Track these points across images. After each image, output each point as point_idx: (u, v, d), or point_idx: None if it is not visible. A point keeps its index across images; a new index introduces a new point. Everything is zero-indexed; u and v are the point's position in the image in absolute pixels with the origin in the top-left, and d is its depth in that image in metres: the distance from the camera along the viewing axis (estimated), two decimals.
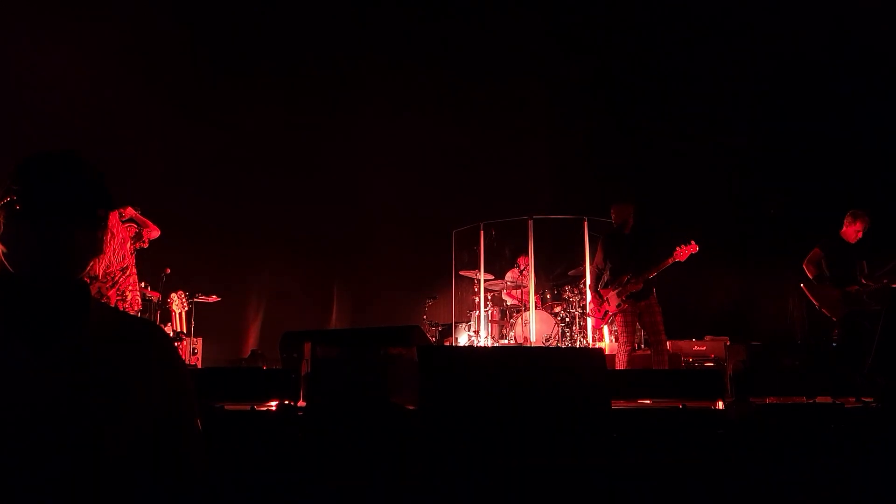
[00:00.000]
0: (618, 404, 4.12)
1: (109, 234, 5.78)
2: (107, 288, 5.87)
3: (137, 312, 6.20)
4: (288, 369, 4.05)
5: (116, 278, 5.90)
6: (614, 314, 6.65)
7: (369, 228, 10.97)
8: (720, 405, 4.38)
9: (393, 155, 10.76)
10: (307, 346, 3.93)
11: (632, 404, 4.53)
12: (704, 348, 8.34)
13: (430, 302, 10.55)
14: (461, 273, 10.08)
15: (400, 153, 10.77)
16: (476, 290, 9.76)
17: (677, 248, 6.46)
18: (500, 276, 10.10)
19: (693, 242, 6.47)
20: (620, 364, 6.61)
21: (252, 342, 10.62)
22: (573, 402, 3.48)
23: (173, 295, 7.47)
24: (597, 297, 6.82)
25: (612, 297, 6.63)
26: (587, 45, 10.87)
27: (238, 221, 10.50)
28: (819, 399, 4.38)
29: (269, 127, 10.57)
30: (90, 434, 1.33)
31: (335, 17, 10.45)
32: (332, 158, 11.00)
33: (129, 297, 5.99)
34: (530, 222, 9.20)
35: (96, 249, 1.45)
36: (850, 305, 6.70)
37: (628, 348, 6.59)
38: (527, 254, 9.39)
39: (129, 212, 6.17)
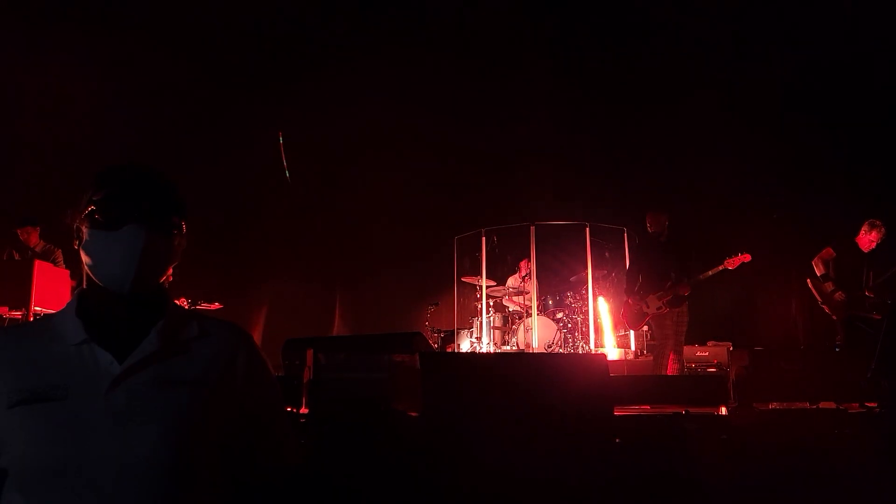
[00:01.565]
0: (620, 410, 4.12)
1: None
2: None
3: None
4: (290, 376, 4.05)
5: None
6: (651, 317, 6.64)
7: (371, 235, 10.98)
8: (723, 411, 4.37)
9: (395, 161, 10.77)
10: (309, 353, 3.93)
11: (634, 410, 4.52)
12: (707, 354, 8.33)
13: (432, 308, 10.54)
14: (463, 279, 10.08)
15: (402, 160, 10.79)
16: (478, 296, 9.75)
17: (730, 257, 6.49)
18: (502, 282, 10.09)
19: (746, 253, 6.49)
20: (663, 368, 6.67)
21: None
22: (575, 409, 3.48)
23: (176, 302, 7.47)
24: (636, 301, 6.75)
25: (652, 301, 6.61)
26: (589, 50, 10.89)
27: (240, 227, 10.51)
28: (822, 404, 4.37)
29: (271, 133, 10.60)
30: (179, 432, 1.36)
31: (338, 21, 10.49)
32: (333, 164, 11.02)
33: None
34: (532, 228, 9.20)
35: (174, 255, 1.51)
36: (852, 309, 6.70)
37: (669, 351, 6.60)
38: (529, 260, 9.38)
39: None
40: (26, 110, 8.69)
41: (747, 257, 6.54)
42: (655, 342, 6.95)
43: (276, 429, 1.59)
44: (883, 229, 6.83)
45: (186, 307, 7.08)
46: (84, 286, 1.49)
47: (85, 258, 1.44)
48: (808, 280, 7.07)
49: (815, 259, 7.01)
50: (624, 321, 6.84)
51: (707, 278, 6.58)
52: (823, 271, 6.95)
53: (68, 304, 1.48)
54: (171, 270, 1.53)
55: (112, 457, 1.31)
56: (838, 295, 6.78)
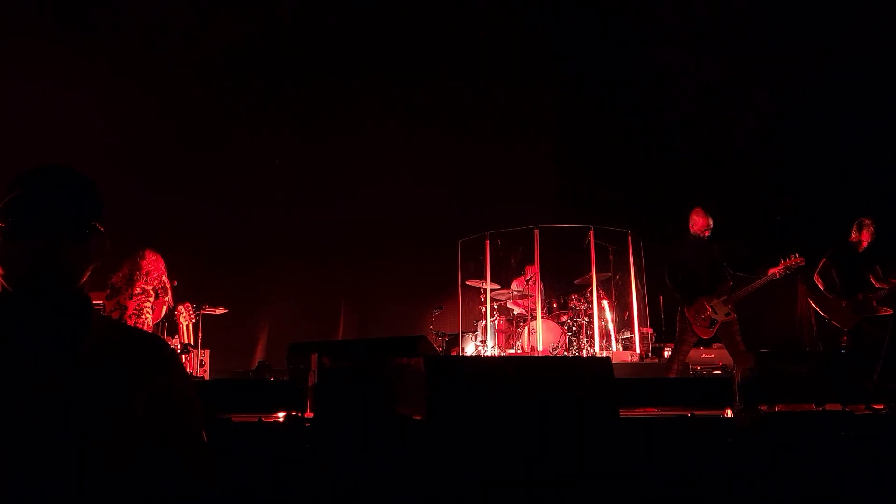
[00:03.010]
0: (626, 413, 4.11)
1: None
2: (125, 299, 6.03)
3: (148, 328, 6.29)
4: (295, 381, 4.06)
5: (137, 294, 6.06)
6: (727, 322, 6.57)
7: (376, 239, 10.99)
8: (729, 413, 4.36)
9: (399, 166, 10.79)
10: (314, 358, 3.93)
11: (640, 413, 4.51)
12: (712, 356, 8.31)
13: (436, 312, 10.54)
14: (467, 283, 10.08)
15: (406, 164, 10.80)
16: (482, 299, 9.75)
17: (776, 265, 6.49)
18: (506, 285, 10.08)
19: (798, 255, 6.47)
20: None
21: (259, 354, 10.63)
22: (581, 411, 3.47)
23: (181, 307, 7.49)
24: (700, 306, 6.64)
25: (719, 307, 6.56)
26: (592, 54, 10.89)
27: (245, 233, 10.53)
28: (828, 406, 4.36)
29: (276, 140, 10.62)
30: (85, 445, 1.32)
31: (342, 29, 10.51)
32: (338, 170, 11.03)
33: (143, 315, 6.12)
34: (536, 231, 9.20)
35: (87, 258, 1.45)
36: (860, 314, 6.70)
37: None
38: (533, 263, 9.38)
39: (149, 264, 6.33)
40: (25, 120, 8.72)
41: (801, 260, 6.50)
42: (676, 342, 6.89)
43: (189, 448, 1.52)
44: (872, 227, 6.85)
45: (191, 312, 7.12)
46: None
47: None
48: (810, 300, 7.08)
49: (816, 274, 7.01)
50: (696, 331, 6.68)
51: (765, 284, 6.57)
52: (827, 283, 6.95)
53: None
54: (88, 275, 1.48)
55: (24, 468, 1.28)
56: (844, 302, 6.78)
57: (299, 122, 10.79)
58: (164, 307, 6.52)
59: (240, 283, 10.33)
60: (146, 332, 1.61)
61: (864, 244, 6.86)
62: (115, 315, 5.99)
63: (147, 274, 6.23)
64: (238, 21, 9.98)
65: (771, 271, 6.48)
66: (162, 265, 6.42)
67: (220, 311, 8.29)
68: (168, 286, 6.54)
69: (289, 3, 10.12)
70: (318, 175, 10.95)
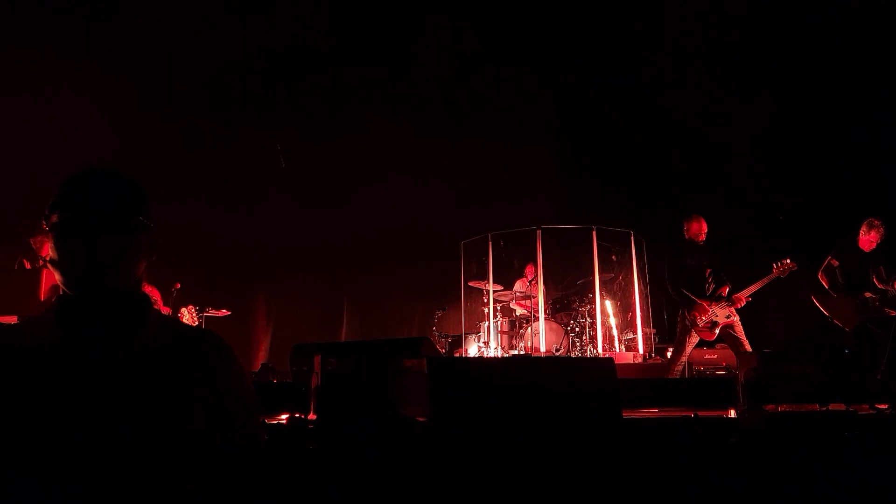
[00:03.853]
0: (629, 414, 4.11)
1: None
2: None
3: None
4: (298, 382, 4.05)
5: None
6: (729, 324, 6.62)
7: (378, 241, 11.00)
8: (732, 413, 4.36)
9: (402, 167, 10.79)
10: (317, 359, 3.93)
11: (643, 414, 4.51)
12: (716, 356, 8.30)
13: (439, 313, 10.54)
14: (470, 284, 10.08)
15: (408, 165, 10.81)
16: (485, 300, 9.75)
17: (776, 263, 6.56)
18: (509, 286, 10.08)
19: (789, 261, 6.59)
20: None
21: (262, 355, 10.64)
22: (584, 412, 3.47)
23: (184, 309, 7.51)
24: (701, 310, 6.69)
25: (719, 310, 6.62)
26: (593, 55, 10.89)
27: (248, 235, 10.55)
28: (832, 406, 4.35)
29: (279, 142, 10.63)
30: (141, 442, 1.35)
31: (344, 30, 10.52)
32: (341, 171, 11.04)
33: None
34: (539, 232, 9.20)
35: (137, 254, 1.47)
36: (863, 314, 6.69)
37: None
38: (535, 264, 9.38)
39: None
40: (37, 125, 8.76)
41: (794, 266, 6.59)
42: (676, 343, 6.95)
43: (252, 446, 1.55)
44: (882, 228, 6.84)
45: (194, 314, 7.14)
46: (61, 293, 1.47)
47: (51, 265, 1.44)
48: (813, 297, 7.07)
49: (819, 272, 7.01)
50: (698, 333, 6.74)
51: (761, 288, 6.64)
52: (831, 281, 6.95)
53: (48, 308, 1.47)
54: (141, 272, 1.50)
55: (84, 466, 1.30)
56: (848, 301, 6.78)
57: (302, 123, 10.80)
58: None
59: (243, 285, 10.35)
60: (205, 330, 1.63)
61: (874, 244, 6.84)
62: None
63: None
64: (241, 23, 10.00)
65: (775, 270, 6.57)
66: None
67: (224, 313, 8.31)
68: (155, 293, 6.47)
69: (292, 6, 10.14)
70: (321, 176, 10.96)
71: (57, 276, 1.43)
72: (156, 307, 5.82)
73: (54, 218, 1.42)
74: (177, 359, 1.47)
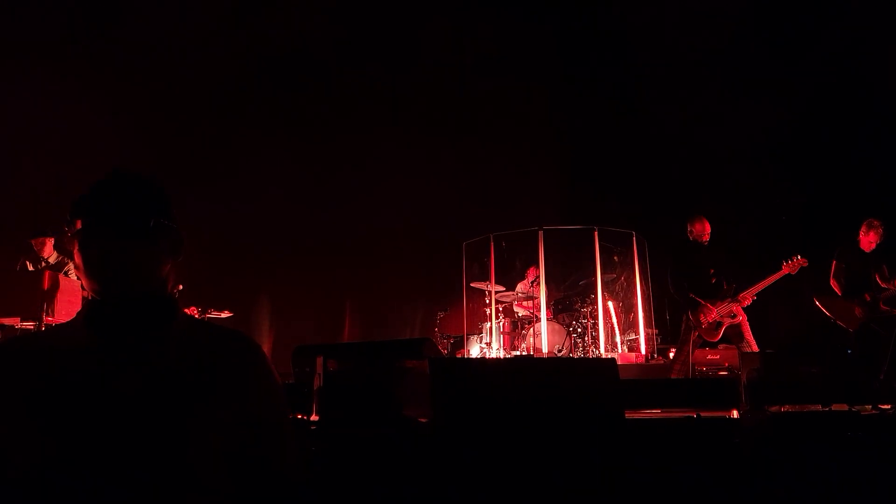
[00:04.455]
0: (631, 414, 4.10)
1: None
2: None
3: None
4: (300, 383, 4.05)
5: None
6: (734, 324, 6.61)
7: (380, 241, 11.00)
8: (735, 414, 4.35)
9: (403, 168, 10.80)
10: (319, 360, 3.94)
11: (646, 414, 4.50)
12: (718, 357, 8.27)
13: (441, 314, 10.54)
14: (472, 285, 10.07)
15: (410, 166, 10.81)
16: (487, 301, 9.75)
17: (786, 261, 6.56)
18: (511, 287, 10.08)
19: (800, 257, 6.54)
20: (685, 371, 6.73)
21: None
22: (586, 413, 3.47)
23: (186, 311, 7.51)
24: (706, 311, 6.69)
25: (724, 309, 6.62)
26: (596, 56, 10.89)
27: (250, 236, 10.55)
28: (835, 407, 4.34)
29: (280, 143, 10.64)
30: (172, 440, 1.37)
31: (347, 32, 10.53)
32: (343, 173, 11.05)
33: None
34: (541, 233, 9.19)
35: (160, 258, 1.50)
36: (866, 315, 6.69)
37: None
38: (537, 265, 9.37)
39: None
40: (38, 127, 8.78)
41: (804, 262, 6.58)
42: (679, 343, 6.96)
43: (282, 444, 1.56)
44: (881, 228, 6.86)
45: (197, 316, 7.14)
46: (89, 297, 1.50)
47: (76, 271, 1.48)
48: (816, 300, 7.08)
49: (831, 279, 7.03)
50: (701, 334, 6.74)
51: (769, 285, 6.64)
52: (843, 287, 6.94)
53: (78, 313, 1.49)
54: (166, 273, 1.51)
55: (116, 464, 1.32)
56: (851, 303, 6.79)
57: (304, 124, 10.80)
58: None
59: (245, 287, 10.35)
60: (233, 331, 1.64)
61: (873, 244, 6.86)
62: None
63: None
64: (243, 24, 10.01)
65: (785, 268, 6.57)
66: None
67: (226, 314, 8.31)
68: None
69: (295, 8, 10.14)
70: (323, 178, 10.96)
71: (84, 281, 1.46)
72: None
73: (78, 224, 1.45)
74: (206, 358, 1.48)
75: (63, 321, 1.51)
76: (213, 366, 1.48)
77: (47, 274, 6.44)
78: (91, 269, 1.43)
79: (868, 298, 6.69)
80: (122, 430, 1.34)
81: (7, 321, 6.33)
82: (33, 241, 7.18)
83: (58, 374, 1.39)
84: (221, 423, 1.43)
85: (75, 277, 7.06)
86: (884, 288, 6.72)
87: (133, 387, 1.38)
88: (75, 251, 1.46)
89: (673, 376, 6.75)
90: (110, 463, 1.32)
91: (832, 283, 7.02)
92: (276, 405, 1.57)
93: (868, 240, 6.86)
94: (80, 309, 1.52)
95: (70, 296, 6.61)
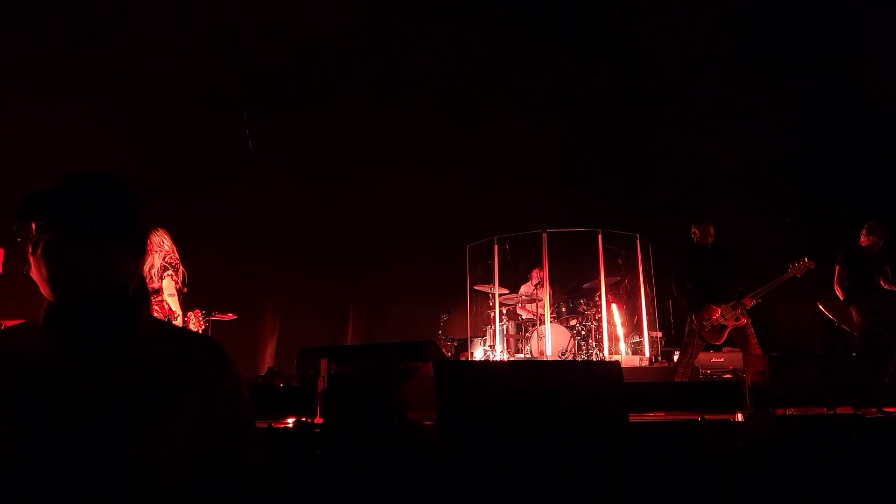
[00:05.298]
0: (635, 417, 4.10)
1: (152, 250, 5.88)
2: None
3: None
4: (304, 386, 4.06)
5: (155, 300, 5.97)
6: (739, 327, 6.60)
7: (384, 244, 11.00)
8: (739, 417, 4.34)
9: (407, 170, 10.80)
10: (323, 363, 3.94)
11: (650, 417, 4.49)
12: (722, 360, 8.27)
13: (445, 317, 10.54)
14: (476, 287, 10.07)
15: (414, 168, 10.82)
16: (491, 304, 9.74)
17: (792, 264, 6.55)
18: (514, 290, 10.07)
19: (807, 259, 6.54)
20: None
21: (268, 359, 10.65)
22: (591, 416, 3.46)
23: (190, 313, 7.50)
24: (708, 313, 6.68)
25: (728, 312, 6.61)
26: (599, 58, 10.89)
27: (253, 239, 10.56)
28: (840, 410, 4.33)
29: (284, 145, 10.66)
30: (129, 449, 1.34)
31: (350, 34, 10.55)
32: (346, 175, 11.06)
33: (173, 322, 6.05)
34: (544, 236, 9.19)
35: (118, 258, 1.44)
36: (869, 317, 6.67)
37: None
38: (541, 267, 9.37)
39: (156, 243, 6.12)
40: (41, 130, 8.80)
41: (811, 264, 6.57)
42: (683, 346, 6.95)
43: (246, 452, 1.51)
44: (883, 231, 6.85)
45: (200, 318, 7.15)
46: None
47: (31, 275, 1.43)
48: (819, 304, 7.08)
49: (835, 284, 7.02)
50: (705, 337, 6.73)
51: (774, 288, 6.63)
52: (848, 291, 6.93)
53: (38, 315, 1.45)
54: (125, 273, 1.47)
55: (73, 470, 1.30)
56: (853, 307, 6.78)
57: (308, 127, 10.82)
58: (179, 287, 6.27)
59: (249, 289, 10.36)
60: (196, 334, 1.62)
61: (875, 248, 6.85)
62: None
63: (151, 266, 5.88)
64: (247, 27, 10.04)
65: (791, 270, 6.56)
66: (159, 242, 5.94)
67: (230, 317, 8.30)
68: (176, 261, 6.28)
69: (298, 12, 10.16)
70: (326, 180, 10.98)
71: (39, 285, 1.42)
72: (176, 321, 5.65)
73: (28, 228, 1.41)
74: (170, 363, 1.44)
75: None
76: (175, 371, 1.44)
77: None
78: (43, 273, 1.39)
79: (871, 301, 6.69)
80: (80, 436, 1.32)
81: (12, 324, 6.34)
82: None
83: (16, 377, 1.36)
84: (184, 430, 1.40)
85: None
86: (887, 290, 6.72)
87: (93, 392, 1.35)
88: (28, 254, 1.42)
89: (677, 379, 6.73)
90: (66, 470, 1.30)
91: (836, 288, 7.00)
92: (241, 413, 1.52)
93: (870, 243, 6.86)
94: (39, 311, 1.47)
95: None
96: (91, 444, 1.32)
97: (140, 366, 1.41)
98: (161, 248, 5.99)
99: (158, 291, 6.05)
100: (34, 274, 1.43)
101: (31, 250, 1.41)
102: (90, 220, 1.41)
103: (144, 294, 1.52)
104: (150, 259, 5.93)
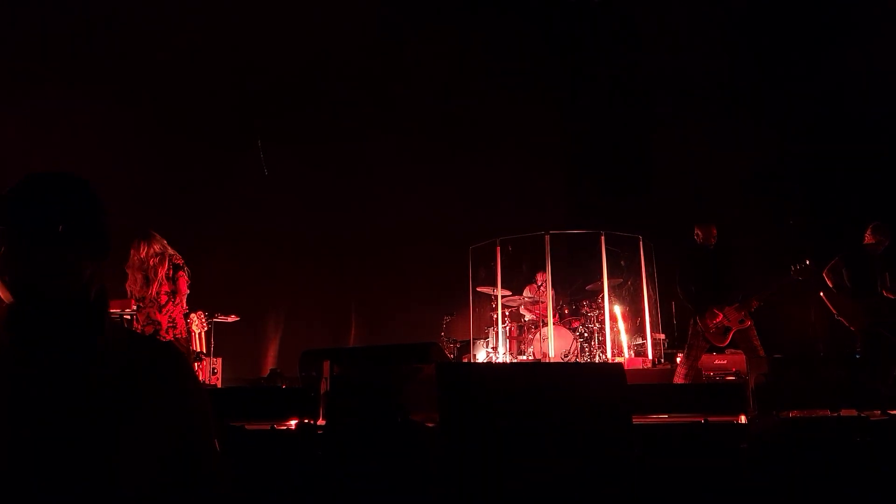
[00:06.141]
0: (639, 419, 4.09)
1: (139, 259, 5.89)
2: (155, 312, 5.93)
3: (185, 338, 6.25)
4: (307, 388, 4.06)
5: (163, 302, 5.97)
6: (743, 329, 6.60)
7: (387, 246, 11.01)
8: (743, 419, 4.33)
9: (410, 172, 10.81)
10: (326, 365, 3.94)
11: (653, 419, 4.49)
12: (726, 362, 8.25)
13: (447, 318, 10.53)
14: (478, 289, 10.07)
15: (416, 170, 10.83)
16: (493, 306, 9.74)
17: (794, 267, 6.55)
18: (517, 291, 10.07)
19: (808, 262, 6.56)
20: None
21: (271, 361, 10.65)
22: (594, 418, 3.46)
23: (193, 315, 7.51)
24: (711, 315, 6.66)
25: (731, 314, 6.60)
26: (601, 59, 10.90)
27: (256, 241, 10.58)
28: (844, 412, 4.32)
29: (286, 146, 10.67)
30: (95, 455, 1.33)
31: (353, 35, 10.57)
32: (349, 177, 11.07)
33: (178, 325, 6.05)
34: (547, 237, 9.18)
35: (80, 262, 1.43)
36: (870, 317, 6.66)
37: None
38: (544, 269, 9.36)
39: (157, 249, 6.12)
40: (45, 133, 8.83)
41: (814, 266, 6.57)
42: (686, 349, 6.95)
43: (206, 452, 1.52)
44: (888, 232, 6.83)
45: (203, 320, 7.15)
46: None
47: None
48: (822, 293, 7.05)
49: (826, 271, 6.99)
50: (709, 339, 6.72)
51: (778, 290, 6.63)
52: (836, 282, 6.92)
53: None
54: (88, 277, 1.45)
55: (38, 477, 1.30)
56: (855, 303, 6.75)
57: (311, 128, 10.83)
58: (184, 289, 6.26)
59: (251, 291, 10.37)
60: (157, 340, 1.63)
61: (879, 249, 6.83)
62: (149, 331, 5.87)
63: (132, 264, 5.85)
64: (248, 28, 10.05)
65: (793, 271, 6.55)
66: (145, 245, 5.92)
67: (233, 318, 8.32)
68: (181, 260, 6.28)
69: (302, 15, 10.18)
70: (329, 182, 10.99)
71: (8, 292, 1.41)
72: (177, 332, 5.62)
73: None
74: (132, 368, 1.44)
75: None
76: (139, 376, 1.43)
77: None
78: (3, 275, 1.38)
79: (871, 302, 6.67)
80: (43, 441, 1.31)
81: None
82: None
83: None
84: (148, 434, 1.40)
85: None
86: (885, 297, 6.70)
87: (55, 397, 1.35)
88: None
89: (681, 381, 6.72)
90: (28, 475, 1.29)
91: (825, 274, 6.97)
92: (201, 416, 1.53)
93: (873, 243, 6.83)
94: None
95: None
96: (56, 447, 1.31)
97: (103, 369, 1.41)
98: (145, 250, 5.97)
99: (177, 294, 6.07)
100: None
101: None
102: (50, 222, 1.40)
103: (105, 298, 1.52)
104: (158, 268, 5.94)
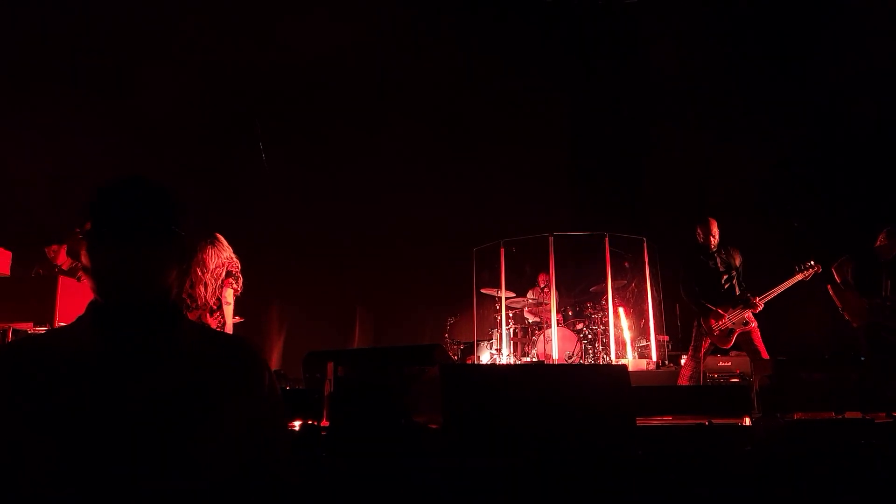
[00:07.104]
0: (642, 421, 4.08)
1: (200, 258, 5.93)
2: (206, 315, 5.96)
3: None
4: (311, 389, 4.06)
5: (215, 307, 5.99)
6: (746, 332, 6.59)
7: (391, 247, 11.01)
8: (747, 421, 4.32)
9: (413, 174, 10.81)
10: (330, 366, 3.94)
11: (657, 421, 4.48)
12: (730, 364, 8.23)
13: (451, 320, 10.54)
14: (482, 291, 10.07)
15: (420, 172, 10.83)
16: (497, 307, 9.74)
17: (800, 269, 6.54)
18: (521, 293, 10.06)
19: (814, 263, 6.54)
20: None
21: (275, 362, 10.66)
22: (598, 420, 3.46)
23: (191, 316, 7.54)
24: (716, 316, 6.64)
25: (736, 316, 6.59)
26: (605, 60, 10.89)
27: (259, 242, 10.58)
28: (849, 414, 4.31)
29: (290, 146, 10.68)
30: (174, 451, 1.38)
31: (351, 37, 10.58)
32: (352, 178, 11.08)
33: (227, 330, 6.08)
34: (551, 239, 9.17)
35: (166, 263, 1.49)
36: (874, 317, 6.63)
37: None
38: (548, 271, 9.36)
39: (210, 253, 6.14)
40: (47, 136, 8.87)
41: (818, 268, 6.55)
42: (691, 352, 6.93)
43: (278, 446, 1.60)
44: None
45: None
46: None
47: (84, 273, 1.48)
48: (829, 286, 7.03)
49: (834, 266, 6.98)
50: (713, 340, 6.71)
51: (782, 291, 6.61)
52: (842, 278, 6.90)
53: (80, 317, 1.50)
54: (171, 280, 1.52)
55: (123, 474, 1.34)
56: (862, 301, 6.73)
57: (315, 129, 10.84)
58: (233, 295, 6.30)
59: (255, 292, 10.36)
60: (235, 338, 1.68)
61: (892, 253, 6.78)
62: None
63: (208, 270, 5.92)
64: (249, 28, 10.07)
65: (799, 274, 6.52)
66: (218, 251, 6.02)
67: (237, 319, 8.32)
68: (234, 267, 6.32)
69: (305, 15, 10.20)
70: (333, 183, 11.00)
71: (89, 283, 1.46)
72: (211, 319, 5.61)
73: (87, 226, 1.45)
74: (212, 366, 1.51)
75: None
76: (219, 373, 1.50)
77: (60, 279, 6.48)
78: (98, 273, 1.44)
79: (877, 304, 6.65)
80: (128, 438, 1.36)
81: (20, 326, 6.38)
82: (46, 250, 7.24)
83: (65, 378, 1.40)
84: (228, 430, 1.46)
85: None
86: (888, 304, 6.68)
87: (140, 393, 1.40)
88: (83, 252, 1.46)
89: (684, 383, 6.71)
90: (113, 473, 1.34)
91: (832, 269, 6.95)
92: (278, 412, 1.62)
93: (886, 247, 6.79)
94: (84, 311, 1.51)
95: (83, 301, 6.61)
96: (140, 444, 1.36)
97: (185, 368, 1.47)
98: (220, 256, 6.02)
99: (221, 301, 6.11)
100: (85, 273, 1.47)
101: (86, 249, 1.45)
102: (152, 228, 1.46)
103: (181, 301, 1.59)
104: (216, 270, 5.96)
